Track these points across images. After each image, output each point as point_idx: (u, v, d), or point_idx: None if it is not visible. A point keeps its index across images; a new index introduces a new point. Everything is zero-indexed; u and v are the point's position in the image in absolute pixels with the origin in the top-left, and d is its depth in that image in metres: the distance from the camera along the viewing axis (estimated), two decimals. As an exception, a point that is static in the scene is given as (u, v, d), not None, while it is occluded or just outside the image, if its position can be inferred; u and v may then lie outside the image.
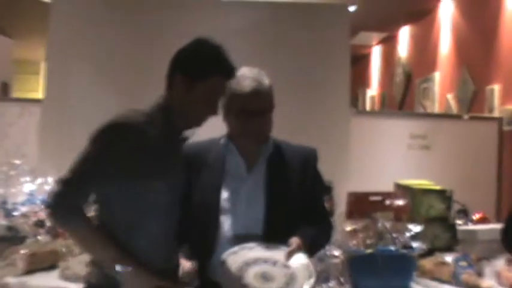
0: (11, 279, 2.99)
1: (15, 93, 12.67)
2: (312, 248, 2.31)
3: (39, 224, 3.41)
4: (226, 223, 2.32)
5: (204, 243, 2.32)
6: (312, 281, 2.10)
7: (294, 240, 2.24)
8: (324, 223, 2.51)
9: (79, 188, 2.03)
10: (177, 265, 2.27)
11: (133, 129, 2.03)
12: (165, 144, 2.12)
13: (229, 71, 2.15)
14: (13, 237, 3.34)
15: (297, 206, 2.35)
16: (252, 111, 2.28)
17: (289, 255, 2.20)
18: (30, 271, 3.09)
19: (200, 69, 2.10)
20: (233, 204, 2.32)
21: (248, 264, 2.15)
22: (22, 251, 3.10)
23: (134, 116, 2.07)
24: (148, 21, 4.04)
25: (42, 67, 14.20)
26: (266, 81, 2.34)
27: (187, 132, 2.23)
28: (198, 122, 2.17)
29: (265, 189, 2.32)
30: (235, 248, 2.20)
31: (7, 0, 8.78)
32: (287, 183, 2.35)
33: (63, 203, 2.02)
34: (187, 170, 2.31)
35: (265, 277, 2.11)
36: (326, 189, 2.54)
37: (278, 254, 2.20)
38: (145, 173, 2.06)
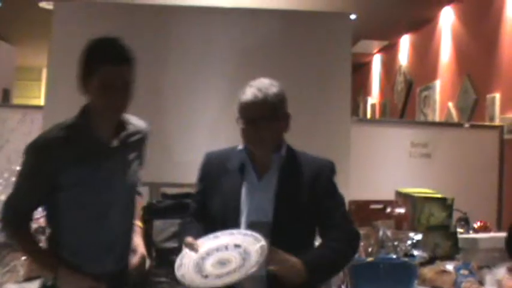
0: (11, 286, 2.99)
1: (17, 100, 12.68)
2: (314, 266, 2.21)
3: (40, 230, 3.39)
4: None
5: None
6: (265, 254, 2.09)
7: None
8: (343, 237, 2.35)
9: (12, 205, 2.26)
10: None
11: (48, 146, 2.16)
12: (93, 148, 2.20)
13: (115, 57, 2.14)
14: (14, 244, 3.33)
15: (305, 217, 2.34)
16: (249, 119, 2.31)
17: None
18: (30, 278, 3.08)
19: (86, 66, 2.17)
20: (245, 213, 2.33)
21: (203, 258, 2.17)
22: (22, 258, 3.10)
23: (52, 132, 2.20)
24: (151, 28, 4.05)
25: (44, 73, 14.24)
26: (270, 91, 2.34)
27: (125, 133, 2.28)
28: (109, 117, 2.23)
29: (274, 199, 2.33)
30: (182, 253, 2.21)
31: (9, 8, 8.79)
32: (296, 193, 2.34)
33: (2, 218, 2.28)
34: (207, 178, 2.43)
35: (222, 263, 2.14)
36: (343, 204, 2.45)
37: (228, 238, 2.22)
38: (73, 181, 2.17)
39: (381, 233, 3.06)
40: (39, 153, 2.19)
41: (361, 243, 3.03)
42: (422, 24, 8.03)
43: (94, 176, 2.20)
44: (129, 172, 2.33)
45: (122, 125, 2.31)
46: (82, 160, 2.19)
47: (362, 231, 3.09)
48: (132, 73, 2.21)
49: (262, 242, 2.13)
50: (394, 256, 2.99)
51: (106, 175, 2.22)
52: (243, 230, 2.26)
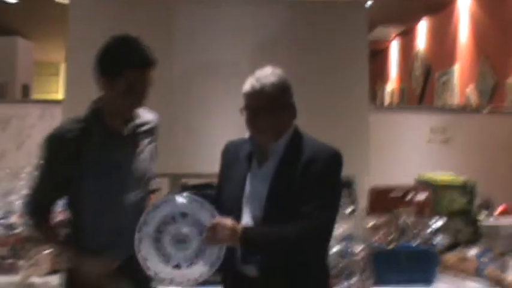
0: (36, 279, 3.03)
1: (35, 95, 12.79)
2: (250, 235, 2.22)
3: (62, 224, 3.43)
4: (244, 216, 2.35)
5: None
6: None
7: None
8: (301, 224, 2.22)
9: (33, 198, 2.38)
10: None
11: (62, 138, 2.27)
12: (103, 141, 2.29)
13: (142, 61, 2.24)
14: (36, 236, 3.37)
15: (297, 205, 2.25)
16: (248, 108, 2.34)
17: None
18: (54, 271, 3.12)
19: (114, 67, 2.23)
20: (245, 200, 2.35)
21: (159, 228, 2.23)
22: (46, 252, 3.13)
23: (66, 125, 2.32)
24: (169, 22, 4.05)
25: (62, 68, 14.34)
26: (269, 81, 2.34)
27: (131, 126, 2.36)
28: (125, 114, 2.33)
29: (269, 187, 2.32)
30: (141, 219, 2.25)
31: (26, 4, 8.85)
32: (289, 182, 2.29)
33: (25, 212, 2.43)
34: (223, 166, 2.49)
35: (180, 240, 2.21)
36: (331, 195, 2.33)
37: (169, 207, 2.26)
38: (88, 170, 2.27)
39: (401, 220, 3.04)
40: (55, 146, 2.28)
41: (381, 231, 3.03)
42: (439, 8, 7.95)
43: (106, 164, 2.30)
44: (139, 160, 2.39)
45: (131, 116, 2.38)
46: (95, 150, 2.28)
47: (382, 219, 3.10)
48: (152, 74, 2.30)
49: (207, 205, 2.21)
50: (415, 244, 2.98)
51: (118, 163, 2.32)
52: (180, 195, 2.28)
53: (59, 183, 2.32)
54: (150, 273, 2.22)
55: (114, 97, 2.27)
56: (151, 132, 2.48)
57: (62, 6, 7.37)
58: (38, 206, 2.38)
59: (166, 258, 2.22)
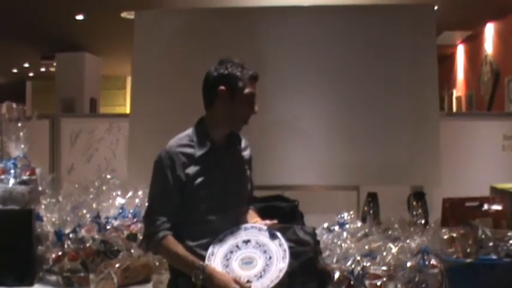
0: (106, 293, 3.05)
1: (103, 108, 13.12)
2: None
3: (132, 237, 3.45)
4: None
5: None
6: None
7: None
8: None
9: (152, 220, 2.56)
10: None
11: (174, 153, 2.53)
12: (209, 154, 2.55)
13: (256, 75, 2.60)
14: (107, 251, 3.39)
15: None
16: None
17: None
18: (123, 285, 3.13)
19: (237, 80, 2.54)
20: None
21: (226, 257, 2.48)
22: (116, 265, 3.14)
23: (175, 141, 2.58)
24: (230, 32, 4.03)
25: (128, 82, 14.66)
26: None
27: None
28: (241, 124, 2.61)
29: None
30: (209, 251, 2.50)
31: (93, 20, 9.07)
32: None
33: (145, 234, 2.66)
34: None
35: (246, 262, 2.46)
36: None
37: (245, 234, 2.55)
38: (195, 181, 2.52)
39: (479, 232, 2.91)
40: (169, 161, 2.53)
41: (458, 243, 2.91)
42: (507, 11, 7.71)
43: (210, 175, 2.55)
44: (239, 172, 2.68)
45: (231, 134, 2.67)
46: (201, 163, 2.54)
47: (459, 231, 2.97)
48: None
49: (264, 228, 2.53)
50: (495, 257, 2.84)
51: (222, 175, 2.58)
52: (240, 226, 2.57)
53: (176, 196, 2.54)
54: None
55: (234, 108, 2.54)
56: (246, 148, 2.75)
57: (128, 21, 7.53)
58: (156, 228, 2.54)
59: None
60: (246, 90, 2.54)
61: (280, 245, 2.50)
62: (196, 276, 2.39)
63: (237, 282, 2.35)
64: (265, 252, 2.48)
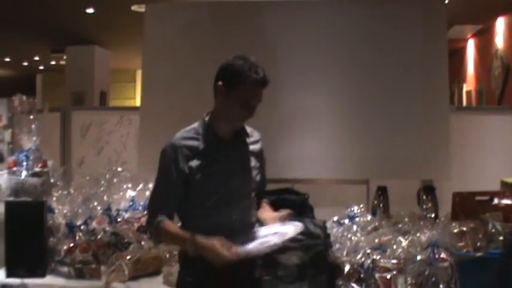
0: (118, 285, 3.07)
1: (113, 101, 13.15)
2: None
3: (142, 229, 3.47)
4: None
5: None
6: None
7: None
8: None
9: (151, 210, 2.62)
10: None
11: (178, 147, 2.54)
12: (212, 147, 2.56)
13: (262, 80, 2.51)
14: (117, 243, 3.42)
15: None
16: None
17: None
18: (134, 277, 3.15)
19: (238, 79, 2.49)
20: None
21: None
22: (127, 257, 3.17)
23: (181, 134, 2.59)
24: (242, 29, 4.03)
25: (137, 75, 14.68)
26: None
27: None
28: (237, 123, 2.59)
29: None
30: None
31: (103, 14, 9.08)
32: None
33: (146, 223, 2.72)
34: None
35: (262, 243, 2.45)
36: None
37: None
38: (199, 174, 2.52)
39: (489, 226, 2.91)
40: (173, 153, 2.53)
41: (468, 237, 2.91)
42: (518, 5, 7.67)
43: (213, 169, 2.55)
44: (243, 166, 2.64)
45: (240, 127, 2.65)
46: (204, 156, 2.54)
47: (469, 225, 2.97)
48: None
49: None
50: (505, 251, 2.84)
51: (225, 169, 2.56)
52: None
53: (178, 187, 2.55)
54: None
55: (229, 106, 2.52)
56: (256, 143, 2.71)
57: (138, 14, 7.53)
58: (161, 211, 2.56)
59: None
60: (243, 94, 2.49)
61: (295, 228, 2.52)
62: (190, 247, 2.41)
63: (222, 244, 2.34)
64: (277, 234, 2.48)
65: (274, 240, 2.43)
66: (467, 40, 10.85)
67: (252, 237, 2.49)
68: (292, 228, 2.50)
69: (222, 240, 2.35)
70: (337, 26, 3.97)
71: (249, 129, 2.67)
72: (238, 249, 2.34)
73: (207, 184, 2.53)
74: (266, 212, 2.72)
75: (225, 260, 2.32)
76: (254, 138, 2.70)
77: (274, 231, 2.52)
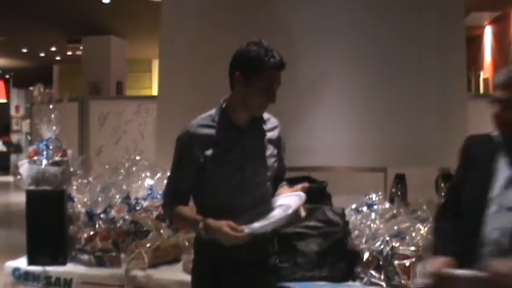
0: (138, 272, 3.09)
1: (129, 91, 13.18)
2: None
3: (161, 218, 3.50)
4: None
5: None
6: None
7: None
8: None
9: (171, 192, 2.64)
10: None
11: (193, 134, 2.53)
12: (228, 136, 2.54)
13: (279, 63, 2.47)
14: (137, 231, 3.44)
15: None
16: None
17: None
18: (154, 264, 3.18)
19: (256, 65, 2.44)
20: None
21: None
22: (147, 245, 3.19)
23: (197, 121, 2.57)
24: (257, 16, 4.00)
25: (154, 64, 14.70)
26: None
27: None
28: (258, 111, 2.56)
29: None
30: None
31: (119, 4, 9.10)
32: None
33: (163, 206, 2.79)
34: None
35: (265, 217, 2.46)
36: None
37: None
38: (213, 160, 2.51)
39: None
40: (188, 141, 2.54)
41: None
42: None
43: (228, 157, 2.53)
44: (259, 154, 2.61)
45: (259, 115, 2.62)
46: (219, 144, 2.53)
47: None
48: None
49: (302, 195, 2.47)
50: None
51: (239, 157, 2.54)
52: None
53: (193, 173, 2.55)
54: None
55: (249, 94, 2.48)
56: (273, 129, 2.67)
57: (154, 3, 7.54)
58: (177, 197, 2.60)
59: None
60: (262, 82, 2.45)
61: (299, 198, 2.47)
62: (202, 230, 2.43)
63: (229, 226, 2.34)
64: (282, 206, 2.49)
65: (278, 214, 2.43)
66: (484, 27, 10.75)
67: (257, 214, 2.47)
68: (295, 200, 2.46)
69: (229, 222, 2.36)
70: (355, 14, 3.91)
71: (266, 115, 2.63)
72: (243, 227, 2.34)
73: (220, 172, 2.52)
74: (285, 191, 2.67)
75: (233, 240, 2.33)
76: (271, 124, 2.66)
77: (279, 203, 2.52)
